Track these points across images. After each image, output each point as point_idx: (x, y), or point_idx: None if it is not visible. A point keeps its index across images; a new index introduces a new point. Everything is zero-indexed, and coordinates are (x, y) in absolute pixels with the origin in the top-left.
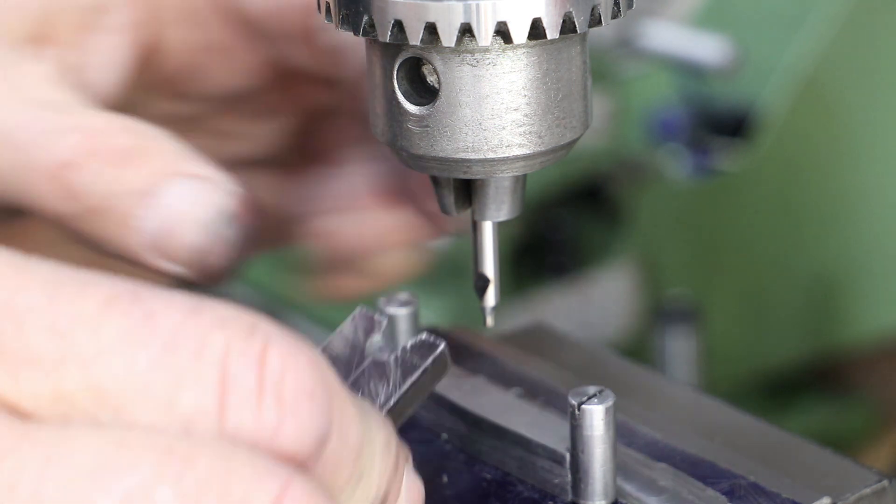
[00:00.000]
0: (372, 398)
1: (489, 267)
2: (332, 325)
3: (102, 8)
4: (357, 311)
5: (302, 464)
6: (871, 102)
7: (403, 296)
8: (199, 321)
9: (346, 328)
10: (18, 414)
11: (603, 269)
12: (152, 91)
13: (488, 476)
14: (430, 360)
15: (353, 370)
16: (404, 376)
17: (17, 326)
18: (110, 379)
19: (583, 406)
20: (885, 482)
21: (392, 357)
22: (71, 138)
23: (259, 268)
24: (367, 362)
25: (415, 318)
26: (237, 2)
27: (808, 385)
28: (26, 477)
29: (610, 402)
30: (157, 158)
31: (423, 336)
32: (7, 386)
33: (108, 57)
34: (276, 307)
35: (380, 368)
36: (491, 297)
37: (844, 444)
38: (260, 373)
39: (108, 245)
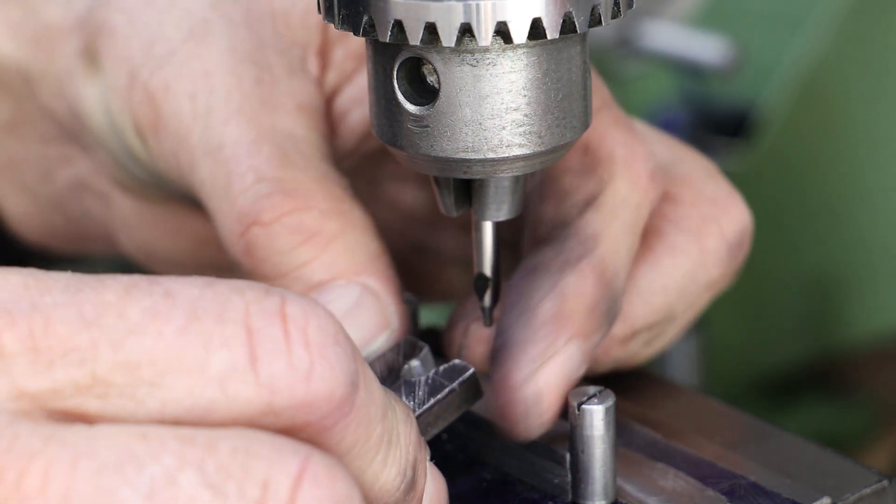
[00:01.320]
0: None
1: (489, 267)
2: None
3: None
4: (404, 339)
5: (339, 407)
6: (871, 102)
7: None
8: (217, 290)
9: (389, 353)
10: (52, 410)
11: None
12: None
13: (488, 476)
14: (456, 382)
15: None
16: (431, 395)
17: (46, 322)
18: (142, 354)
19: (583, 406)
20: (885, 482)
21: (423, 378)
22: (272, 198)
23: None
24: (399, 382)
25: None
26: None
27: (808, 385)
28: (56, 476)
29: (610, 402)
30: (339, 253)
31: (456, 362)
32: (41, 381)
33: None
34: None
35: (409, 387)
36: (490, 298)
37: (844, 444)
38: (283, 324)
39: None
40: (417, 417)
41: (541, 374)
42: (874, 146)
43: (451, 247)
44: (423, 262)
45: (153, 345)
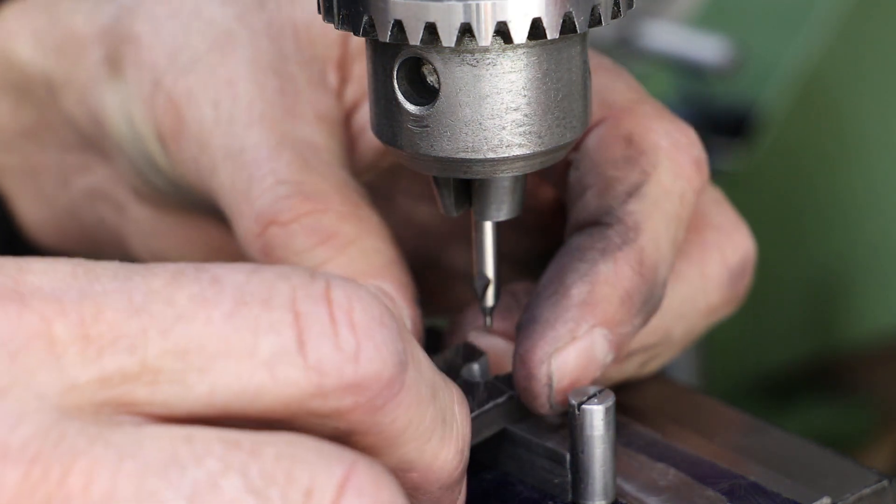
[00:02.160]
0: None
1: (489, 267)
2: None
3: None
4: (463, 342)
5: (388, 386)
6: (871, 102)
7: None
8: (263, 275)
9: (448, 353)
10: (101, 402)
11: None
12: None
13: (488, 476)
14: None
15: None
16: (490, 398)
17: (96, 309)
18: (191, 340)
19: (583, 406)
20: (885, 482)
21: (483, 381)
22: (291, 199)
23: None
24: (458, 382)
25: None
26: None
27: (808, 385)
28: (99, 477)
29: (610, 402)
30: (356, 256)
31: None
32: (90, 371)
33: None
34: None
35: (468, 388)
36: (491, 298)
37: (844, 444)
38: (329, 308)
39: None
40: (475, 418)
41: (558, 357)
42: (874, 146)
43: (463, 262)
44: (435, 276)
45: (202, 330)
